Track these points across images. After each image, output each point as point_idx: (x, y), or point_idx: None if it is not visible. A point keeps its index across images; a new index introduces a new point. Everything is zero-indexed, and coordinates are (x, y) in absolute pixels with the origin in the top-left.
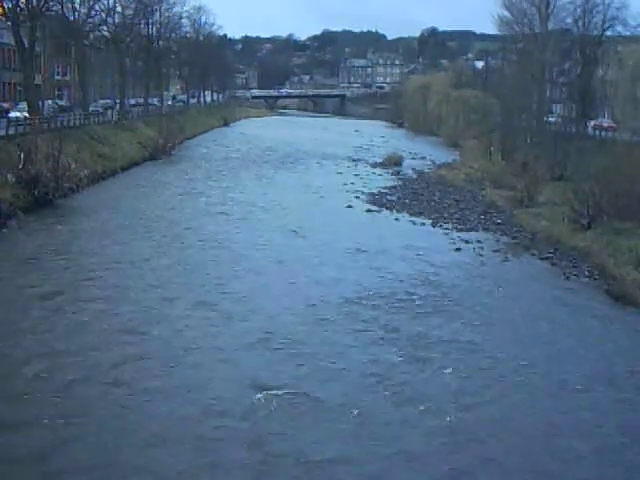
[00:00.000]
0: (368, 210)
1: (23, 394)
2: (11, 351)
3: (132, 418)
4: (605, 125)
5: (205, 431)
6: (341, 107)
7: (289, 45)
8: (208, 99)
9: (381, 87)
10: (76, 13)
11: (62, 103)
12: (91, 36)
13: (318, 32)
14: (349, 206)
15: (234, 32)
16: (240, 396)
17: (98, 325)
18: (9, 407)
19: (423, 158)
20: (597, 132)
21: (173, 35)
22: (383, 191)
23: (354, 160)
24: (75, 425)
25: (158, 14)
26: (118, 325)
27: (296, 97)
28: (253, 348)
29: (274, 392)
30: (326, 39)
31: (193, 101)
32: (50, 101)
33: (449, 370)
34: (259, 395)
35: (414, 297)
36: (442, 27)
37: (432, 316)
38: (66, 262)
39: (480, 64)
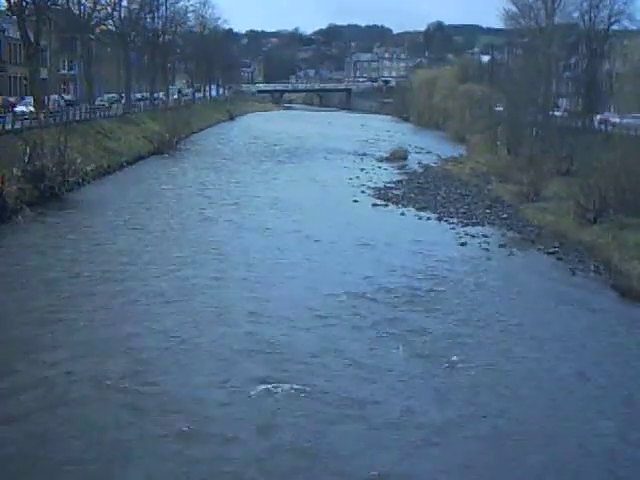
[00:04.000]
0: (374, 204)
1: None
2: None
3: None
4: (611, 120)
5: None
6: (347, 101)
7: (295, 39)
8: (214, 93)
9: (387, 81)
10: (82, 7)
11: (68, 97)
12: (97, 30)
13: (324, 26)
14: (355, 200)
15: (240, 26)
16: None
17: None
18: None
19: (429, 152)
20: (603, 126)
21: (179, 29)
22: (389, 185)
23: (360, 154)
24: None
25: (164, 8)
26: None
27: (302, 91)
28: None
29: None
30: (332, 33)
31: (199, 95)
32: (56, 95)
33: (459, 364)
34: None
35: (420, 292)
36: (448, 21)
37: (437, 310)
38: (69, 257)
39: (486, 58)
